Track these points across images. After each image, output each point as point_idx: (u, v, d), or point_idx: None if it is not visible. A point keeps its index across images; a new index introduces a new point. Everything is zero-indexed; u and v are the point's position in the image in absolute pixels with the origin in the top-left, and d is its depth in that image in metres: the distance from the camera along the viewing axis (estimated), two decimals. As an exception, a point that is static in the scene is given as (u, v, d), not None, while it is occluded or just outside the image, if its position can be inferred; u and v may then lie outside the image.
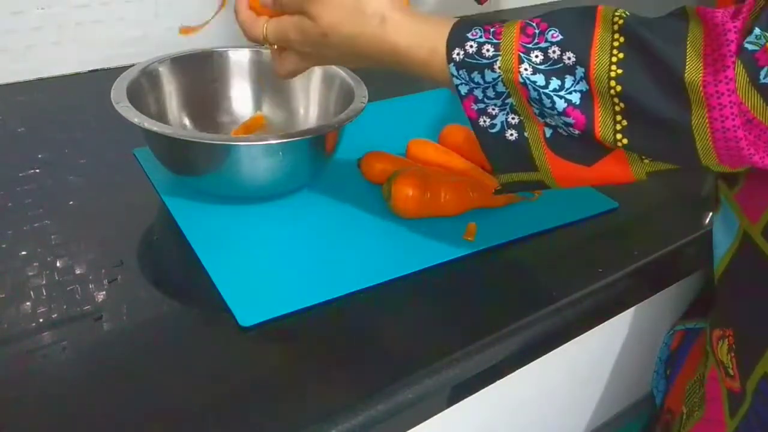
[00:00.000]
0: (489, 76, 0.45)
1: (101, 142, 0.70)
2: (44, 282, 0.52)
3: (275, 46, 0.53)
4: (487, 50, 0.44)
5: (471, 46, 0.45)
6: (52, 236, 0.56)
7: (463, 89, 0.46)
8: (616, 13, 0.43)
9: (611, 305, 0.59)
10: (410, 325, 0.51)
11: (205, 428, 0.42)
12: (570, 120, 0.43)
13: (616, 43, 0.41)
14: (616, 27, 0.42)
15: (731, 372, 0.56)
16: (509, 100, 0.45)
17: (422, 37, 0.46)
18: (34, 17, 0.78)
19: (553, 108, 0.43)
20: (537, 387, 0.65)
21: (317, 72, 0.70)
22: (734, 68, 0.38)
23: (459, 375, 0.48)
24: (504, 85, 0.45)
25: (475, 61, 0.45)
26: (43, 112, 0.76)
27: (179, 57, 0.68)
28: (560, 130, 0.45)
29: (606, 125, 0.43)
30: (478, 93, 0.46)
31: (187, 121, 0.69)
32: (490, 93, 0.45)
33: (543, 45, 0.43)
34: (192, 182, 0.62)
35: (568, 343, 0.57)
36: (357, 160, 0.67)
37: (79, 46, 0.83)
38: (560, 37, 0.43)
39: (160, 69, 0.66)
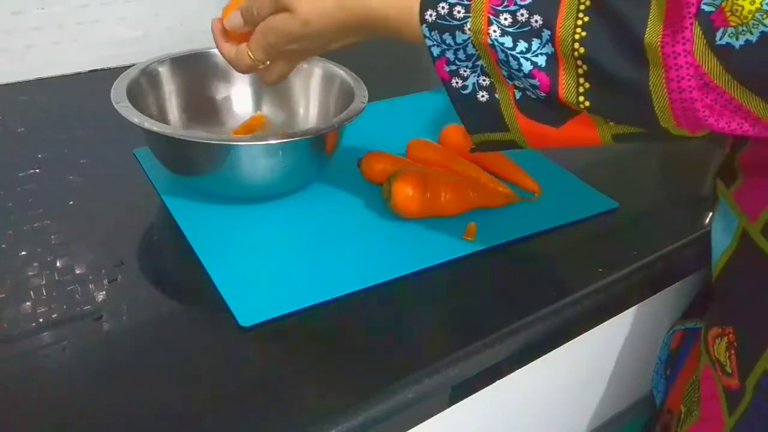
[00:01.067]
0: (459, 37, 0.45)
1: (101, 142, 0.70)
2: (44, 282, 0.52)
3: (267, 62, 0.53)
4: (458, 11, 0.45)
5: (443, 8, 0.45)
6: (52, 236, 0.56)
7: (435, 51, 0.47)
8: None
9: (611, 305, 0.59)
10: (410, 325, 0.51)
11: (205, 428, 0.42)
12: (535, 82, 0.44)
13: (582, 6, 0.42)
14: None
15: (729, 370, 0.56)
16: (479, 62, 0.46)
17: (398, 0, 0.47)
18: (34, 17, 0.78)
19: (519, 70, 0.44)
20: (537, 387, 0.65)
21: (317, 72, 0.70)
22: (692, 30, 0.38)
23: (459, 375, 0.48)
24: (474, 47, 0.45)
25: (446, 23, 0.45)
26: (43, 112, 0.76)
27: (179, 57, 0.68)
28: (528, 93, 0.46)
29: (569, 87, 0.43)
30: (449, 54, 0.47)
31: (187, 121, 0.69)
32: (461, 55, 0.46)
33: (512, 8, 0.43)
34: (192, 182, 0.62)
35: (568, 343, 0.57)
36: (357, 160, 0.67)
37: (79, 46, 0.83)
38: (529, 0, 0.43)
39: (160, 69, 0.66)
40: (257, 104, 0.73)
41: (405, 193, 0.59)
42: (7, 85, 0.80)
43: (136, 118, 0.56)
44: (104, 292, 0.51)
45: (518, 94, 0.46)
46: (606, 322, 0.60)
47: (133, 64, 0.64)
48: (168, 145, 0.59)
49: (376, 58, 0.93)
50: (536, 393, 0.66)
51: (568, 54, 0.42)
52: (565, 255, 0.61)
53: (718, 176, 0.58)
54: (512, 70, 0.44)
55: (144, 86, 0.64)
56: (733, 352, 0.55)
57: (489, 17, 0.44)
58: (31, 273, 0.52)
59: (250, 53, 0.52)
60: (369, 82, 0.66)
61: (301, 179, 0.63)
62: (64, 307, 0.50)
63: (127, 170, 0.66)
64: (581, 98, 0.43)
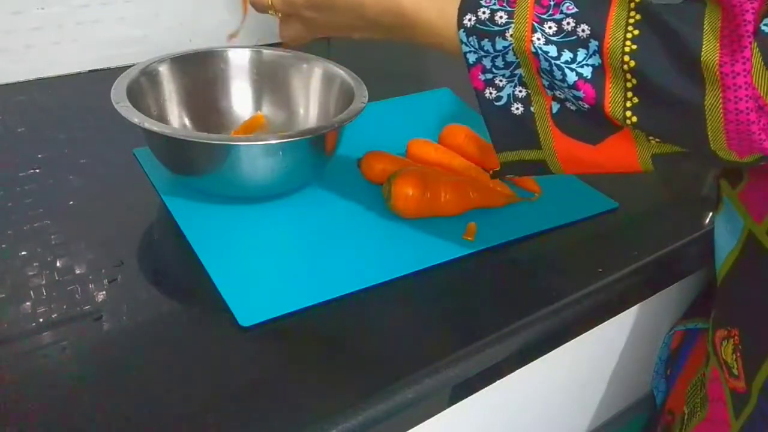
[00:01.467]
0: (500, 44, 0.44)
1: (101, 142, 0.70)
2: (44, 282, 0.52)
3: (280, 15, 0.52)
4: (500, 17, 0.43)
5: (484, 12, 0.44)
6: (52, 236, 0.56)
7: (472, 57, 0.45)
8: None
9: (611, 305, 0.59)
10: (410, 325, 0.51)
11: (205, 428, 0.42)
12: (580, 94, 0.43)
13: (631, 20, 0.41)
14: (632, 5, 0.42)
15: (735, 372, 0.55)
16: (518, 71, 0.45)
17: (433, 2, 0.46)
18: (34, 17, 0.78)
19: (563, 80, 0.43)
20: (537, 387, 0.65)
21: (317, 72, 0.70)
22: (751, 49, 0.38)
23: (459, 375, 0.48)
24: (514, 55, 0.44)
25: (486, 28, 0.44)
26: (43, 112, 0.76)
27: (179, 57, 0.68)
28: (569, 104, 0.44)
29: (616, 101, 0.42)
30: (486, 62, 0.45)
31: (187, 121, 0.69)
32: (500, 62, 0.45)
33: (557, 17, 0.42)
34: (192, 182, 0.62)
35: (568, 343, 0.57)
36: (357, 160, 0.67)
37: (79, 46, 0.83)
38: (575, 9, 0.42)
39: (160, 69, 0.66)
40: (257, 104, 0.73)
41: (405, 193, 0.59)
42: (7, 85, 0.80)
43: (136, 118, 0.56)
44: (104, 292, 0.51)
45: (556, 107, 0.45)
46: (606, 322, 0.60)
47: (133, 64, 0.64)
48: (168, 145, 0.59)
49: (376, 58, 0.93)
50: (536, 393, 0.66)
51: (617, 67, 0.41)
52: (565, 255, 0.61)
53: (722, 177, 0.57)
54: (555, 81, 0.43)
55: (144, 86, 0.64)
56: (738, 354, 0.55)
57: (533, 24, 0.43)
58: (31, 273, 0.52)
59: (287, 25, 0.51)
60: (369, 82, 0.66)
61: (301, 179, 0.63)
62: (64, 307, 0.50)
63: (127, 170, 0.66)
64: (628, 113, 0.42)
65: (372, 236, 0.59)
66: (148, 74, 0.65)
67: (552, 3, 0.43)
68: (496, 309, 0.53)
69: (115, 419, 0.42)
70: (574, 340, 0.57)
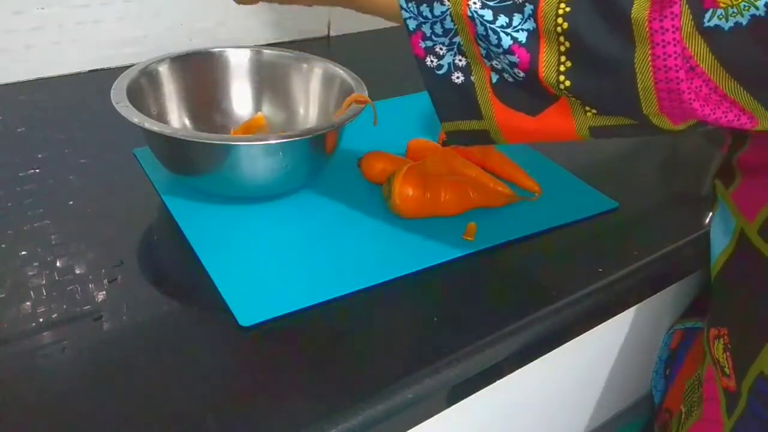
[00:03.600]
0: (438, 9, 0.44)
1: (101, 142, 0.70)
2: (44, 282, 0.52)
3: None
4: None
5: None
6: (52, 236, 0.56)
7: (412, 24, 0.45)
8: None
9: (611, 305, 0.59)
10: (410, 325, 0.51)
11: (205, 428, 0.42)
12: (515, 59, 0.42)
13: None
14: None
15: (727, 371, 0.56)
16: (457, 39, 0.44)
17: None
18: (34, 17, 0.78)
19: (499, 45, 0.42)
20: (537, 387, 0.65)
21: (317, 72, 0.70)
22: (680, 5, 0.37)
23: (459, 375, 0.48)
24: (452, 20, 0.44)
25: None
26: (43, 112, 0.76)
27: (179, 57, 0.68)
28: (506, 75, 0.44)
29: (550, 65, 0.42)
30: (426, 29, 0.45)
31: (187, 121, 0.69)
32: (438, 29, 0.45)
33: None
34: (192, 182, 0.62)
35: (568, 343, 0.57)
36: (357, 160, 0.67)
37: (79, 46, 0.83)
38: None
39: (160, 69, 0.66)
40: (257, 104, 0.73)
41: (405, 193, 0.59)
42: (7, 85, 0.80)
43: (136, 118, 0.56)
44: (104, 292, 0.51)
45: (495, 77, 0.45)
46: (606, 322, 0.60)
47: (133, 64, 0.64)
48: (168, 145, 0.59)
49: (376, 58, 0.93)
50: (536, 393, 0.66)
51: (551, 30, 0.41)
52: (565, 255, 0.61)
53: (717, 177, 0.57)
54: (491, 46, 0.43)
55: (144, 86, 0.64)
56: (728, 354, 0.55)
57: None
58: (31, 273, 0.52)
59: None
60: (369, 82, 0.66)
61: (301, 179, 0.63)
62: (64, 307, 0.50)
63: (127, 170, 0.66)
64: (561, 77, 0.42)
65: (372, 236, 0.59)
66: (148, 74, 0.65)
67: None
68: (496, 309, 0.53)
69: (115, 419, 0.42)
70: (574, 340, 0.57)
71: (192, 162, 0.59)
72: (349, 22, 1.01)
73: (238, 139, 0.59)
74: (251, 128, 0.71)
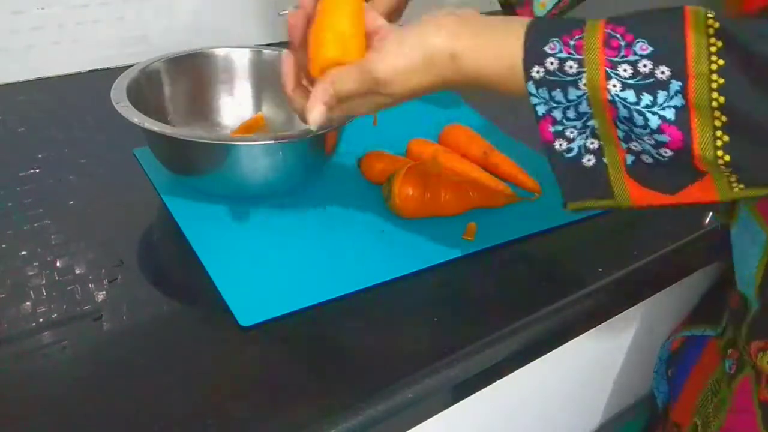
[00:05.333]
0: (573, 93, 0.42)
1: (101, 142, 0.70)
2: (44, 282, 0.52)
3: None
4: (570, 66, 0.41)
5: (551, 63, 0.42)
6: (52, 236, 0.56)
7: (541, 109, 0.44)
8: (709, 15, 0.40)
9: (611, 305, 0.59)
10: (410, 325, 0.51)
11: (205, 428, 0.42)
12: (664, 138, 0.40)
13: (713, 48, 0.39)
14: (711, 30, 0.39)
15: None
16: (591, 123, 0.43)
17: (497, 58, 0.44)
18: (34, 17, 0.78)
19: (645, 126, 0.41)
20: (537, 387, 0.65)
21: (317, 72, 0.70)
22: None
23: (459, 375, 0.48)
24: (588, 104, 0.42)
25: (557, 78, 0.42)
26: (43, 112, 0.76)
27: (179, 57, 0.68)
28: (645, 156, 0.42)
29: (705, 141, 0.40)
30: (557, 114, 0.43)
31: (187, 121, 0.69)
32: (571, 114, 0.43)
33: (631, 58, 0.40)
34: (192, 182, 0.62)
35: (568, 343, 0.57)
36: (357, 160, 0.67)
37: (79, 46, 0.83)
38: (650, 49, 0.40)
39: (160, 69, 0.66)
40: (257, 104, 0.73)
41: (405, 193, 0.59)
42: (7, 85, 0.80)
43: (136, 118, 0.56)
44: (104, 292, 0.51)
45: (630, 159, 0.43)
46: (606, 322, 0.60)
47: (133, 64, 0.64)
48: (168, 145, 0.59)
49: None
50: (536, 393, 0.66)
51: (704, 105, 0.39)
52: (565, 255, 0.61)
53: None
54: (635, 127, 0.41)
55: (144, 86, 0.64)
56: None
57: (606, 71, 0.41)
58: (31, 273, 0.52)
59: (330, 116, 0.47)
60: (369, 82, 0.66)
61: (301, 179, 0.63)
62: (64, 307, 0.50)
63: (127, 170, 0.66)
64: (719, 152, 0.39)
65: (372, 236, 0.59)
66: (148, 74, 0.65)
67: (623, 43, 0.41)
68: (496, 309, 0.53)
69: (115, 419, 0.42)
70: (574, 340, 0.57)
71: (192, 162, 0.59)
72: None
73: (238, 139, 0.59)
74: (251, 128, 0.71)
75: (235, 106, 0.72)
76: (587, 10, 0.72)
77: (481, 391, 0.51)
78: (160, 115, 0.66)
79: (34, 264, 0.53)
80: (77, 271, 0.53)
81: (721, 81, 0.38)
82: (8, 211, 0.59)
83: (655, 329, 0.76)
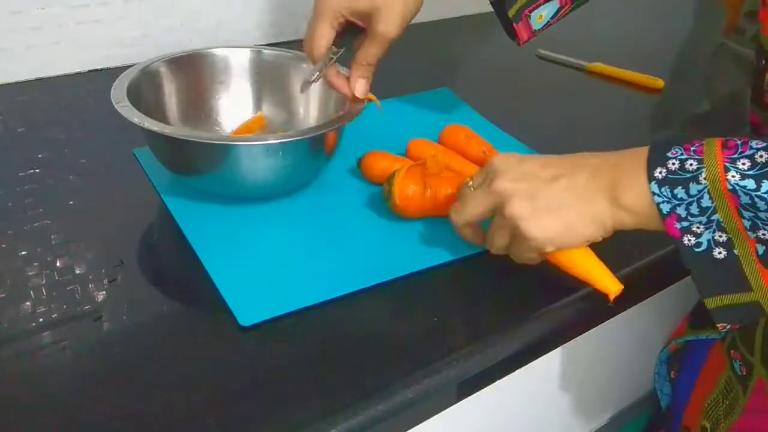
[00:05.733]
0: (694, 188, 0.44)
1: (101, 142, 0.70)
2: (44, 282, 0.52)
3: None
4: (690, 165, 0.44)
5: (673, 164, 0.44)
6: (52, 236, 0.56)
7: (665, 207, 0.45)
8: None
9: (611, 305, 0.59)
10: (410, 325, 0.51)
11: (205, 428, 0.42)
12: None
13: None
14: None
15: None
16: (715, 217, 0.44)
17: (644, 216, 0.47)
18: (34, 17, 0.78)
19: None
20: (537, 387, 0.65)
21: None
22: None
23: (459, 375, 0.48)
24: (710, 198, 0.43)
25: (678, 176, 0.44)
26: (43, 112, 0.76)
27: (179, 57, 0.68)
28: None
29: None
30: (681, 210, 0.45)
31: (187, 121, 0.69)
32: (694, 209, 0.44)
33: (748, 153, 0.42)
34: (192, 182, 0.62)
35: (568, 342, 0.57)
36: (357, 160, 0.67)
37: (79, 46, 0.83)
38: (765, 143, 0.42)
39: (160, 69, 0.66)
40: (257, 104, 0.73)
41: (405, 192, 0.59)
42: (7, 85, 0.80)
43: (136, 118, 0.56)
44: (104, 292, 0.51)
45: (761, 249, 0.44)
46: (606, 322, 0.60)
47: (133, 64, 0.64)
48: (168, 145, 0.59)
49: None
50: (536, 393, 0.66)
51: None
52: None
53: None
54: (759, 213, 0.42)
55: (144, 86, 0.64)
56: None
57: (725, 165, 0.43)
58: (31, 273, 0.52)
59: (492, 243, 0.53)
60: (369, 82, 0.66)
61: (301, 179, 0.63)
62: (64, 307, 0.50)
63: (127, 170, 0.66)
64: None
65: (372, 236, 0.59)
66: (148, 74, 0.65)
67: (739, 143, 0.43)
68: (496, 309, 0.53)
69: (115, 419, 0.42)
70: (574, 339, 0.57)
71: (192, 162, 0.59)
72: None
73: (238, 139, 0.59)
74: (251, 128, 0.71)
75: (235, 106, 0.72)
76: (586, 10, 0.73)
77: (481, 391, 0.51)
78: (160, 115, 0.66)
79: (34, 264, 0.53)
80: (77, 271, 0.53)
81: None
82: (8, 211, 0.59)
83: (655, 329, 0.76)
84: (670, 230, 0.46)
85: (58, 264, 0.53)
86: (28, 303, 0.50)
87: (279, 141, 0.56)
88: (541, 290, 0.55)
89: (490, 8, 0.69)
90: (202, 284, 0.53)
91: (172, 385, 0.44)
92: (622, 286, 0.52)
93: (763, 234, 0.43)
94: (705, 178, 0.43)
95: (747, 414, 0.59)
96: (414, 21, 0.60)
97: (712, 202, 0.44)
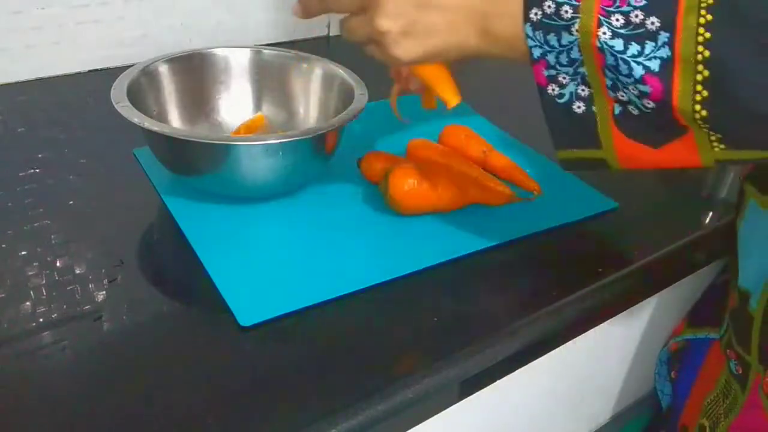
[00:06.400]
0: (565, 38, 0.43)
1: (101, 142, 0.70)
2: (44, 282, 0.52)
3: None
4: (566, 11, 0.42)
5: (549, 6, 0.43)
6: (52, 236, 0.56)
7: (536, 52, 0.45)
8: None
9: (611, 305, 0.59)
10: (410, 325, 0.51)
11: (205, 428, 0.42)
12: (646, 88, 0.41)
13: (703, 4, 0.39)
14: None
15: None
16: (582, 69, 0.44)
17: (513, 50, 0.46)
18: (34, 17, 0.78)
19: (629, 75, 0.41)
20: (537, 387, 0.65)
21: (317, 72, 0.70)
22: None
23: (459, 375, 0.48)
24: (579, 51, 0.43)
25: (552, 22, 0.43)
26: (43, 112, 0.76)
27: (179, 57, 0.68)
28: (631, 107, 0.43)
29: (685, 94, 0.40)
30: (550, 58, 0.44)
31: (187, 121, 0.69)
32: (564, 59, 0.44)
33: (625, 8, 0.41)
34: (192, 182, 0.62)
35: (569, 342, 0.57)
36: (357, 160, 0.67)
37: (79, 46, 0.83)
38: (644, 1, 0.41)
39: (160, 69, 0.66)
40: (257, 104, 0.73)
41: (401, 185, 0.59)
42: (7, 85, 0.80)
43: (136, 118, 0.56)
44: (104, 292, 0.51)
45: (618, 109, 0.44)
46: (606, 322, 0.60)
47: (133, 64, 0.64)
48: (168, 145, 0.59)
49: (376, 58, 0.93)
50: (536, 393, 0.66)
51: (689, 58, 0.39)
52: (565, 255, 0.61)
53: (747, 181, 0.56)
54: (620, 76, 0.42)
55: (144, 86, 0.64)
56: None
57: (599, 18, 0.42)
58: (31, 273, 0.52)
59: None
60: (369, 82, 0.66)
61: (301, 179, 0.63)
62: (64, 307, 0.50)
63: (127, 170, 0.66)
64: (697, 107, 0.40)
65: (372, 236, 0.59)
66: (148, 74, 0.65)
67: None
68: (495, 309, 0.53)
69: (115, 419, 0.42)
70: (574, 340, 0.57)
71: (192, 162, 0.59)
72: (349, 22, 1.00)
73: (238, 139, 0.59)
74: (251, 128, 0.71)
75: (235, 106, 0.72)
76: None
77: (481, 391, 0.51)
78: (160, 115, 0.66)
79: (34, 264, 0.53)
80: (77, 271, 0.53)
81: (708, 35, 0.39)
82: (8, 211, 0.59)
83: (656, 329, 0.76)
84: (538, 77, 0.45)
85: (58, 264, 0.53)
86: (28, 303, 0.50)
87: (279, 141, 0.56)
88: (541, 290, 0.55)
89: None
90: (202, 284, 0.53)
91: (172, 385, 0.44)
92: (461, 98, 0.53)
93: (622, 95, 0.43)
94: (577, 30, 0.42)
95: (745, 411, 0.59)
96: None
97: (581, 55, 0.43)
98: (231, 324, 0.49)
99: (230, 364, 0.46)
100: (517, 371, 0.53)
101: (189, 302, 0.52)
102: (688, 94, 0.40)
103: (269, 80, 0.72)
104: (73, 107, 0.77)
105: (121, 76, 0.62)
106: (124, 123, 0.56)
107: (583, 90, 0.45)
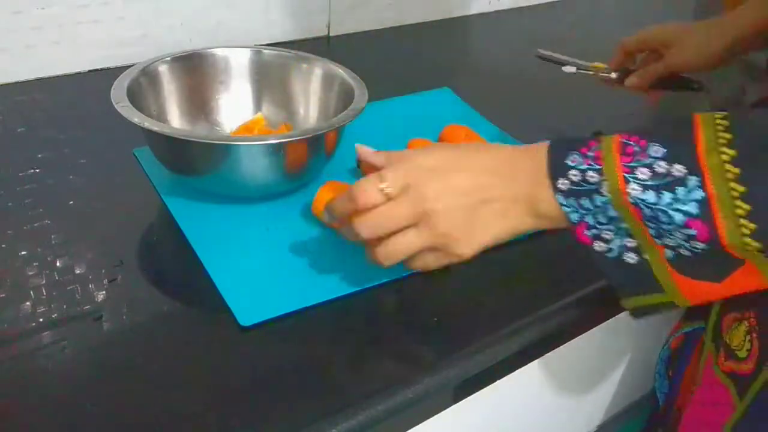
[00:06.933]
0: (598, 200, 0.44)
1: (101, 142, 0.70)
2: (44, 282, 0.52)
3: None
4: (591, 177, 0.44)
5: (575, 174, 0.45)
6: (52, 236, 0.56)
7: (574, 216, 0.46)
8: (717, 115, 0.41)
9: (611, 305, 0.59)
10: (410, 325, 0.51)
11: (205, 428, 0.42)
12: (692, 232, 0.41)
13: (722, 140, 0.40)
14: (720, 127, 0.41)
15: (741, 355, 0.55)
16: (623, 225, 0.44)
17: (559, 221, 0.47)
18: (34, 17, 0.78)
19: (671, 222, 0.42)
20: (537, 387, 0.65)
21: (317, 72, 0.70)
22: None
23: (459, 375, 0.48)
24: (615, 209, 0.44)
25: (581, 188, 0.44)
26: (43, 112, 0.76)
27: (179, 57, 0.68)
28: (682, 250, 0.43)
29: (731, 231, 0.40)
30: (589, 219, 0.45)
31: (187, 121, 0.69)
32: (602, 218, 0.45)
33: (646, 161, 0.42)
34: (192, 182, 0.62)
35: (569, 342, 0.57)
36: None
37: (79, 46, 0.83)
38: (663, 151, 0.42)
39: (160, 69, 0.66)
40: (257, 104, 0.73)
41: (322, 204, 0.59)
42: (7, 85, 0.80)
43: (136, 118, 0.56)
44: (104, 292, 0.51)
45: (670, 253, 0.44)
46: (606, 322, 0.60)
47: (133, 64, 0.64)
48: (168, 145, 0.59)
49: (377, 58, 0.93)
50: (536, 393, 0.66)
51: (723, 197, 0.40)
52: (565, 255, 0.60)
53: None
54: (662, 225, 0.42)
55: (144, 86, 0.64)
56: (755, 335, 0.54)
57: (624, 176, 0.42)
58: (31, 273, 0.52)
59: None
60: (369, 82, 0.66)
61: (301, 179, 0.63)
62: (64, 307, 0.50)
63: (127, 170, 0.66)
64: (747, 240, 0.40)
65: (372, 236, 0.59)
66: (148, 74, 0.65)
67: (636, 149, 0.43)
68: (496, 309, 0.53)
69: (115, 419, 0.42)
70: (574, 340, 0.57)
71: (192, 162, 0.59)
72: (349, 22, 1.01)
73: (238, 139, 0.59)
74: (251, 128, 0.71)
75: (235, 106, 0.72)
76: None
77: (481, 391, 0.51)
78: (160, 115, 0.66)
79: (34, 264, 0.53)
80: (77, 271, 0.53)
81: (736, 170, 0.39)
82: (8, 211, 0.59)
83: (656, 329, 0.76)
84: (580, 237, 0.46)
85: (58, 264, 0.53)
86: (28, 303, 0.50)
87: (279, 141, 0.56)
88: (541, 290, 0.55)
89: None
90: (202, 284, 0.53)
91: (172, 385, 0.44)
92: None
93: (669, 241, 0.43)
94: (608, 191, 0.43)
95: (703, 386, 0.59)
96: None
97: (617, 213, 0.44)
98: (231, 324, 0.49)
99: (230, 364, 0.46)
100: (517, 371, 0.53)
101: (189, 302, 0.52)
102: (734, 230, 0.41)
103: (269, 80, 0.72)
104: (73, 107, 0.77)
105: (121, 76, 0.62)
106: (124, 123, 0.56)
107: (629, 242, 0.45)
